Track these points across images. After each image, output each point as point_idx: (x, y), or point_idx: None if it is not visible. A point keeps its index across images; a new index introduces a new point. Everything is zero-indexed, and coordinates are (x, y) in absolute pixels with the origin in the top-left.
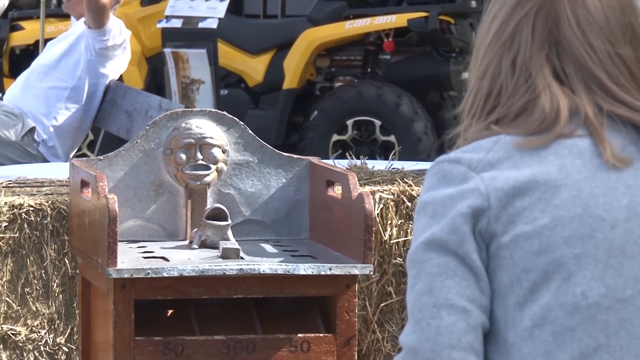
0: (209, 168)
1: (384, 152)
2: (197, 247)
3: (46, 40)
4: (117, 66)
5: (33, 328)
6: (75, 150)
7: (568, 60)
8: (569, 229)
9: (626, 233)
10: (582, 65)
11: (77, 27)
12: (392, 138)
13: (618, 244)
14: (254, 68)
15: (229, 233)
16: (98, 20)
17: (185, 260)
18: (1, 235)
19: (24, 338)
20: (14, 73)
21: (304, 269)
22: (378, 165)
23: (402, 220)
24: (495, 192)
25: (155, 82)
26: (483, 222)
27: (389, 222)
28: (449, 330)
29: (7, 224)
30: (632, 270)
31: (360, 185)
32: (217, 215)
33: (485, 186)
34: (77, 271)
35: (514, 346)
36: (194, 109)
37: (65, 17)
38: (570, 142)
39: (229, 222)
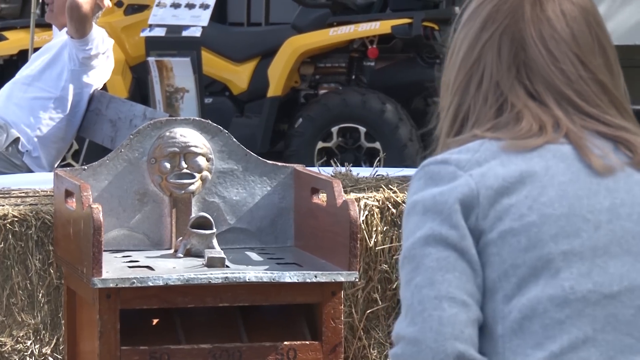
0: (193, 177)
1: (370, 159)
2: (182, 255)
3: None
4: (100, 75)
5: (19, 339)
6: (60, 160)
7: (537, 80)
8: (555, 227)
9: (609, 234)
10: (551, 85)
11: (60, 37)
12: (377, 145)
13: (602, 244)
14: (238, 76)
15: (214, 241)
16: (80, 29)
17: (170, 269)
18: None
19: (10, 349)
20: None
21: (290, 276)
22: (363, 172)
23: (387, 227)
24: (485, 190)
25: (140, 91)
26: (472, 219)
27: (374, 228)
28: (452, 321)
29: None
30: (616, 268)
31: (345, 193)
32: (202, 223)
33: (475, 183)
34: (62, 281)
35: (503, 338)
36: (178, 118)
37: (49, 26)
38: (554, 147)
39: (214, 230)
